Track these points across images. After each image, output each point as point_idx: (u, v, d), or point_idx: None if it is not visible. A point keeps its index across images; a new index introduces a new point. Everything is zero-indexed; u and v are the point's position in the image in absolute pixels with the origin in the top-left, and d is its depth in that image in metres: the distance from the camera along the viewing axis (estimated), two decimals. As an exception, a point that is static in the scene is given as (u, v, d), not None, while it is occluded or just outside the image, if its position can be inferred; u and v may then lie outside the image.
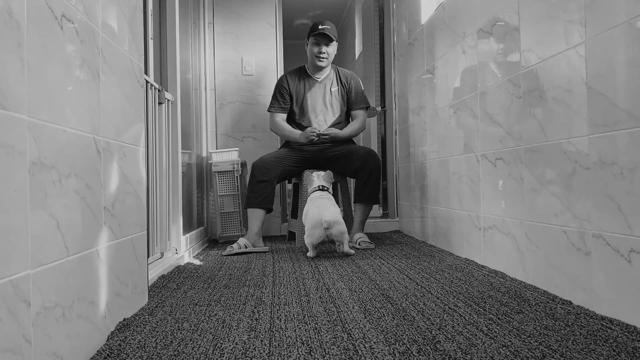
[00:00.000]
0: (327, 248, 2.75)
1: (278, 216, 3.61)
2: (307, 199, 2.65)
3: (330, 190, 2.66)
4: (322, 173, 2.71)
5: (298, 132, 2.98)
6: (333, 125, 3.03)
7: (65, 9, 0.99)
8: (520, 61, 1.75)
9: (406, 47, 3.31)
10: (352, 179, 3.62)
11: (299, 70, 3.13)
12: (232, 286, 1.79)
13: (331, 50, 3.02)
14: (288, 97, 3.06)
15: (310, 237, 2.43)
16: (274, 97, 3.08)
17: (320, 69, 3.05)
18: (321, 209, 2.42)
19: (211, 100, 3.58)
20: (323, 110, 3.04)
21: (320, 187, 2.62)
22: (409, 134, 3.28)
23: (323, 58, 3.00)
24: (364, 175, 2.88)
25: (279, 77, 3.19)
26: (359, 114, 3.08)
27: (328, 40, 2.99)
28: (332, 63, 3.13)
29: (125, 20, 1.38)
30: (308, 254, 2.47)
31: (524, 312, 1.35)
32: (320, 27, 2.98)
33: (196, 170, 3.23)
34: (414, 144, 3.17)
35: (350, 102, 3.08)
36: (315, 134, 2.89)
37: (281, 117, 3.06)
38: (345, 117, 3.11)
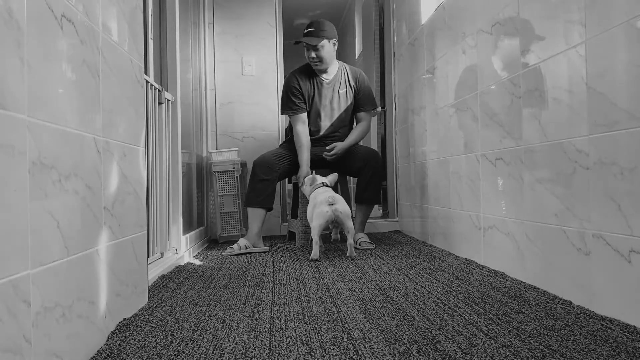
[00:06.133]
0: (327, 247, 2.75)
1: (278, 216, 3.61)
2: (309, 198, 2.62)
3: (330, 186, 2.66)
4: (323, 178, 2.68)
5: (305, 162, 2.82)
6: (339, 128, 2.98)
7: (65, 9, 0.99)
8: (521, 61, 1.75)
9: (406, 47, 3.31)
10: (352, 179, 3.61)
11: (306, 69, 2.97)
12: (232, 286, 1.79)
13: (323, 52, 2.83)
14: (301, 96, 2.91)
15: (317, 218, 2.39)
16: (289, 98, 2.90)
17: (323, 71, 2.93)
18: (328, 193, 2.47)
19: (211, 100, 3.58)
20: (330, 113, 2.97)
21: (324, 184, 2.61)
22: (409, 134, 3.28)
23: (316, 62, 2.86)
24: (366, 175, 2.86)
25: (286, 77, 3.03)
26: (364, 117, 3.01)
27: (315, 42, 2.81)
28: (339, 60, 3.02)
29: (125, 20, 1.38)
30: (311, 256, 2.36)
31: (524, 312, 1.35)
32: (305, 30, 2.85)
33: (196, 170, 3.23)
34: (414, 144, 3.17)
35: (357, 104, 3.00)
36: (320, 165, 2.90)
37: (302, 121, 2.88)
38: (352, 118, 3.05)
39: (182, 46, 2.79)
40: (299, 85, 2.91)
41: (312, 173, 2.71)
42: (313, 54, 2.84)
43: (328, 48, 2.86)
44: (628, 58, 1.22)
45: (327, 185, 2.60)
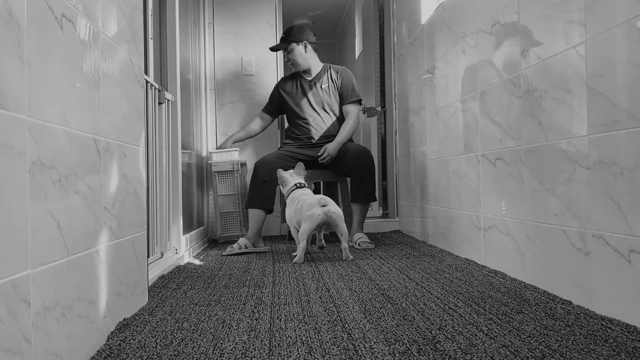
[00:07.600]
0: (328, 247, 2.74)
1: (278, 216, 3.61)
2: (286, 200, 2.53)
3: (307, 186, 2.55)
4: (292, 171, 2.61)
5: (231, 139, 3.26)
6: (331, 126, 3.05)
7: (65, 9, 0.99)
8: (520, 61, 1.75)
9: (406, 47, 3.31)
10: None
11: (293, 73, 3.19)
12: (232, 286, 1.79)
13: (293, 55, 3.05)
14: (276, 103, 3.19)
15: (308, 221, 2.26)
16: (269, 98, 3.26)
17: (305, 72, 3.12)
18: (315, 195, 2.36)
19: (211, 100, 3.58)
20: (317, 110, 3.06)
21: (298, 185, 2.52)
22: (409, 134, 3.28)
23: (291, 64, 3.11)
24: (358, 174, 2.88)
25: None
26: (350, 110, 3.05)
27: (282, 46, 3.09)
28: (325, 62, 3.16)
29: (125, 20, 1.38)
30: (296, 259, 2.28)
31: (524, 312, 1.35)
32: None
33: (196, 170, 3.23)
34: (414, 144, 3.17)
35: (341, 97, 3.08)
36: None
37: (262, 117, 3.25)
38: (340, 114, 3.11)
39: (182, 46, 2.79)
40: (278, 90, 3.18)
41: (282, 171, 2.63)
42: (286, 57, 3.12)
43: (297, 51, 3.07)
44: (628, 58, 1.22)
45: (303, 186, 2.53)
